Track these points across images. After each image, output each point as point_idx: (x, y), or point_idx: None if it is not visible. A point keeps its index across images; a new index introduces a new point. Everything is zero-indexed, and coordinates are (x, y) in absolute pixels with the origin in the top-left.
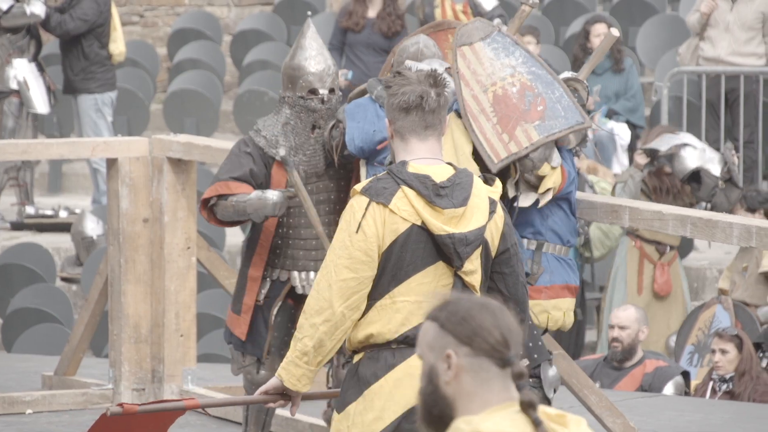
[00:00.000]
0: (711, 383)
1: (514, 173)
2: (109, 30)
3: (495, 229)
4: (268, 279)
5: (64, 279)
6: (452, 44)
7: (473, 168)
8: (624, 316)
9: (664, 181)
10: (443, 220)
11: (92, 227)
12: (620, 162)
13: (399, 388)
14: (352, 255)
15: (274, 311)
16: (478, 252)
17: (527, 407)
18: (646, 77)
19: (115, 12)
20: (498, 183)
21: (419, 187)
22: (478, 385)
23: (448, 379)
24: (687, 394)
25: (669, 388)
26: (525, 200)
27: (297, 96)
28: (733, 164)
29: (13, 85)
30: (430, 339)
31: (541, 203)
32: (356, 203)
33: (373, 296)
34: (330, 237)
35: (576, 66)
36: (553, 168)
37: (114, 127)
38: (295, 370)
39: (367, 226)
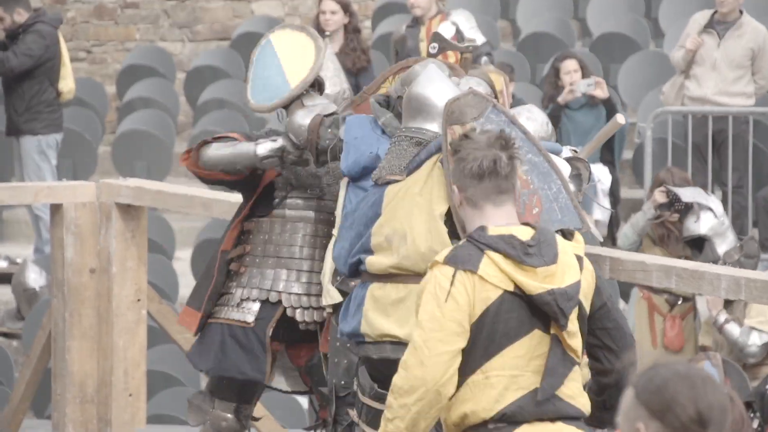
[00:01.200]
0: None
1: None
2: (59, 66)
3: (587, 286)
4: (257, 300)
5: (3, 334)
6: (442, 120)
7: (442, 231)
8: None
9: (671, 228)
10: (539, 279)
11: (34, 278)
12: (602, 207)
13: None
14: (444, 326)
15: (269, 332)
16: (575, 313)
17: None
18: (629, 118)
19: (64, 46)
20: (579, 237)
21: (506, 248)
22: None
23: None
24: None
25: None
26: None
27: None
28: (752, 258)
29: None
30: (625, 407)
31: None
32: (440, 273)
33: (464, 372)
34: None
35: (545, 103)
36: None
37: (59, 170)
38: None
39: (458, 294)
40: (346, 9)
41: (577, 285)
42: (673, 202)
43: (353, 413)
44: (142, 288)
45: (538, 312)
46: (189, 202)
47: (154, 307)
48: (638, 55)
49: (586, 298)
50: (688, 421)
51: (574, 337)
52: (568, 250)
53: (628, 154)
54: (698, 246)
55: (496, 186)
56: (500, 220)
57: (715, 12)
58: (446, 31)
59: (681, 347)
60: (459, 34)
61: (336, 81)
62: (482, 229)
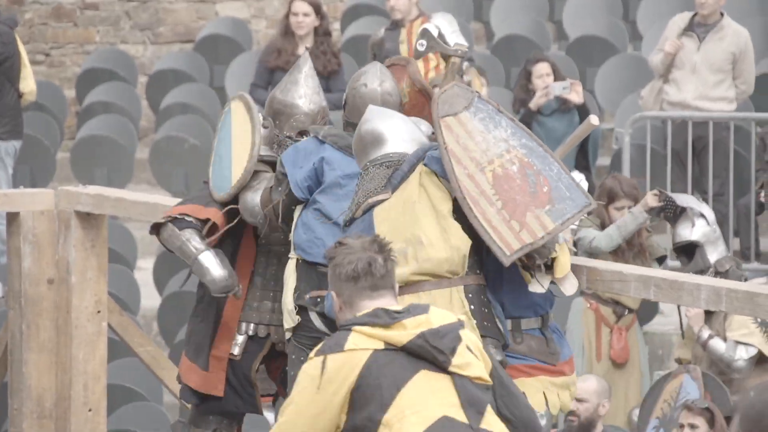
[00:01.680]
0: None
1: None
2: (19, 66)
3: (472, 344)
4: (243, 334)
5: None
6: (433, 114)
7: (455, 227)
8: (583, 388)
9: (633, 242)
10: (408, 329)
11: None
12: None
13: None
14: (310, 413)
15: (256, 366)
16: (463, 347)
17: None
18: (606, 123)
19: (22, 47)
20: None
21: (371, 320)
22: None
23: None
24: None
25: None
26: (539, 286)
27: (284, 135)
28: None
29: None
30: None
31: (569, 291)
32: (311, 365)
33: None
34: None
35: (515, 107)
36: (560, 245)
37: (16, 177)
38: None
39: (327, 381)
40: (318, 11)
41: (451, 324)
42: (666, 206)
43: None
44: (103, 299)
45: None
46: (151, 210)
47: (114, 319)
48: (616, 58)
49: (477, 348)
50: None
51: (467, 367)
52: (445, 312)
53: (605, 161)
54: (687, 253)
55: (372, 285)
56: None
57: (695, 14)
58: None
59: (627, 359)
60: (441, 38)
61: (316, 99)
62: (352, 317)
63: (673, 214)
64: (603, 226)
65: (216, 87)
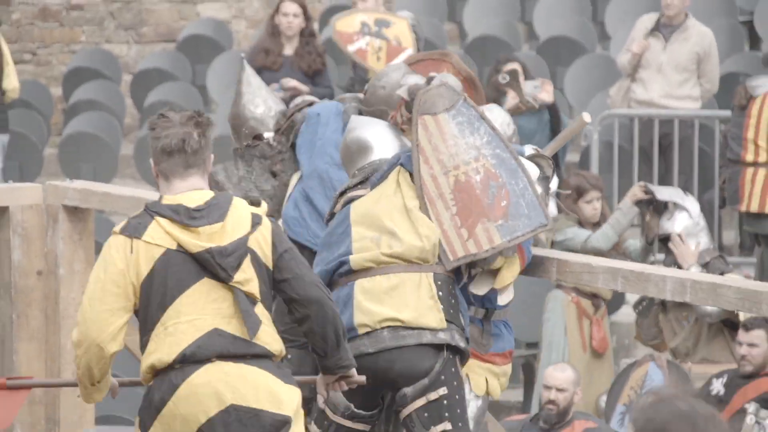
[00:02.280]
0: None
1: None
2: (2, 65)
3: (262, 240)
4: None
5: None
6: (413, 109)
7: (423, 219)
8: (563, 378)
9: None
10: (201, 239)
11: None
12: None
13: (187, 407)
14: (104, 288)
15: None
16: (248, 261)
17: None
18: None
19: (4, 45)
20: (264, 205)
21: (171, 214)
22: None
23: None
24: None
25: None
26: (479, 288)
27: (244, 145)
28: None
29: None
30: None
31: (503, 301)
32: (112, 241)
33: (146, 329)
34: None
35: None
36: (509, 259)
37: (4, 173)
38: (83, 390)
39: (119, 259)
40: (305, 13)
41: (239, 241)
42: (652, 200)
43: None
44: None
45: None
46: (136, 204)
47: None
48: (585, 58)
49: (262, 250)
50: None
51: (246, 284)
52: (242, 210)
53: (574, 157)
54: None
55: (184, 162)
56: (185, 189)
57: (661, 15)
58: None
59: (606, 348)
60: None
61: (258, 102)
62: (159, 198)
63: (656, 206)
64: (579, 223)
65: (198, 85)
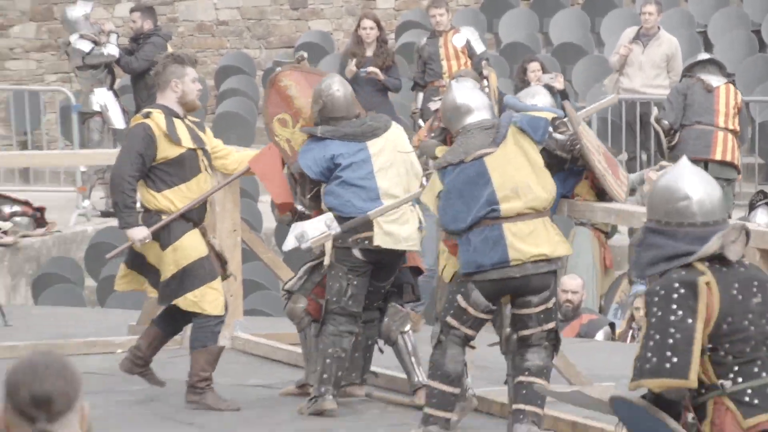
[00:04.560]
0: (631, 331)
1: None
2: None
3: None
4: None
5: None
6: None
7: (546, 174)
8: (575, 284)
9: None
10: None
11: None
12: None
13: None
14: None
15: None
16: None
17: None
18: (579, 103)
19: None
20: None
21: None
22: None
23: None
24: (613, 339)
25: (599, 336)
26: None
27: None
28: None
29: (97, 108)
30: None
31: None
32: None
33: None
34: None
35: (515, 92)
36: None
37: None
38: None
39: None
40: (379, 26)
41: None
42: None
43: (453, 321)
44: (237, 222)
45: None
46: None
47: (245, 235)
48: (586, 58)
49: None
50: (24, 403)
51: None
52: None
53: None
54: None
55: None
56: None
57: (641, 28)
58: (459, 41)
59: (611, 266)
60: (468, 44)
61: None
62: None
63: None
64: None
65: None
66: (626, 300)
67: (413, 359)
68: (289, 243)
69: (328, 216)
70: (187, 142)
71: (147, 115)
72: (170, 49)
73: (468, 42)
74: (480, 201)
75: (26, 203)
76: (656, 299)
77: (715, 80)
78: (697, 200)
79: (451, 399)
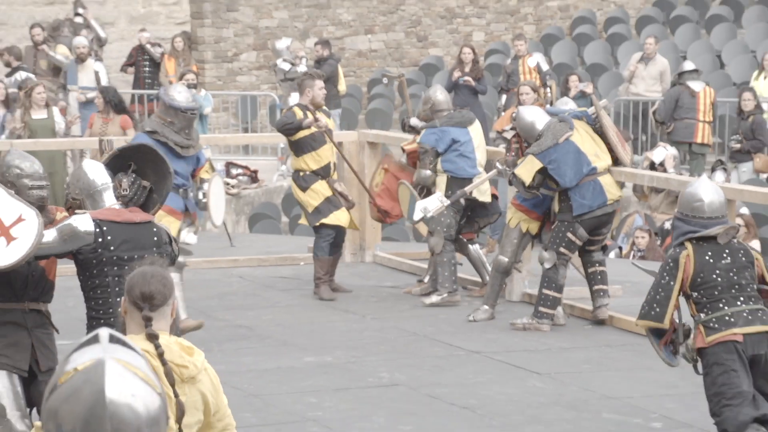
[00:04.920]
0: (632, 252)
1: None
2: (338, 78)
3: None
4: None
5: None
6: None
7: (606, 155)
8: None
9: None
10: None
11: None
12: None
13: None
14: None
15: None
16: None
17: (151, 338)
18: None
19: (340, 70)
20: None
21: None
22: (129, 322)
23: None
24: (620, 257)
25: (612, 255)
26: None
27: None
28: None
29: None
30: None
31: None
32: None
33: None
34: None
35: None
36: None
37: (340, 128)
38: None
39: None
40: (473, 51)
41: None
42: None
43: (565, 250)
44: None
45: None
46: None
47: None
48: (607, 73)
49: None
50: (136, 298)
51: None
52: None
53: None
54: None
55: None
56: None
57: (644, 53)
58: (532, 62)
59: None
60: (538, 65)
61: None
62: None
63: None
64: None
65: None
66: (630, 231)
67: (483, 265)
68: (417, 215)
69: (439, 194)
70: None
71: (290, 109)
72: (341, 69)
73: (537, 63)
74: (582, 165)
75: (246, 167)
76: (661, 268)
77: (697, 85)
78: (708, 202)
79: (558, 302)
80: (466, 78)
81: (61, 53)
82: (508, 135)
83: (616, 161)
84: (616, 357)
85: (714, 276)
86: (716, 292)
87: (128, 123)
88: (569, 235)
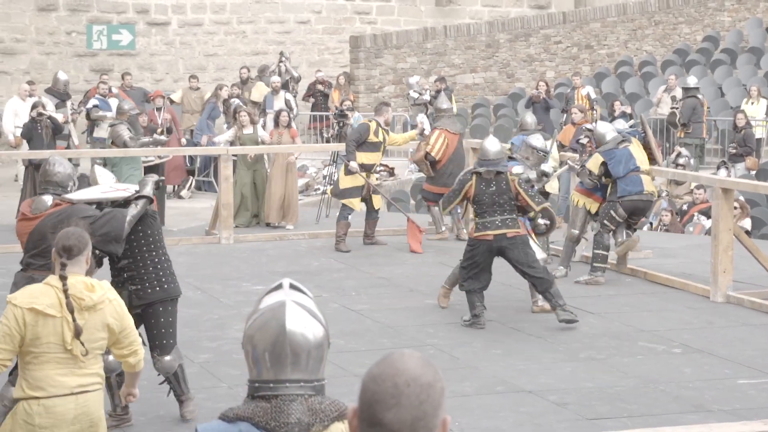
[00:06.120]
0: (659, 227)
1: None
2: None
3: None
4: None
5: None
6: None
7: (647, 162)
8: None
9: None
10: None
11: None
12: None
13: None
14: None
15: None
16: None
17: (61, 278)
18: (636, 120)
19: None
20: None
21: None
22: (55, 265)
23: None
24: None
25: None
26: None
27: None
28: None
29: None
30: None
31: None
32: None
33: None
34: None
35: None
36: None
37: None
38: None
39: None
40: (546, 83)
41: None
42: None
43: (608, 222)
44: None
45: None
46: None
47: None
48: (641, 100)
49: None
50: (58, 249)
51: None
52: None
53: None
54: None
55: None
56: None
57: (667, 86)
58: (584, 92)
59: None
60: (588, 94)
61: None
62: None
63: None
64: None
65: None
66: (658, 211)
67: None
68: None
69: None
70: (379, 136)
71: (365, 123)
72: (453, 98)
73: (588, 93)
74: (630, 164)
75: (386, 165)
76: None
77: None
78: (493, 151)
79: (606, 258)
80: (537, 92)
81: (259, 91)
82: (584, 140)
83: (652, 161)
84: (648, 301)
85: (485, 198)
86: (485, 207)
87: (295, 133)
88: (611, 212)
